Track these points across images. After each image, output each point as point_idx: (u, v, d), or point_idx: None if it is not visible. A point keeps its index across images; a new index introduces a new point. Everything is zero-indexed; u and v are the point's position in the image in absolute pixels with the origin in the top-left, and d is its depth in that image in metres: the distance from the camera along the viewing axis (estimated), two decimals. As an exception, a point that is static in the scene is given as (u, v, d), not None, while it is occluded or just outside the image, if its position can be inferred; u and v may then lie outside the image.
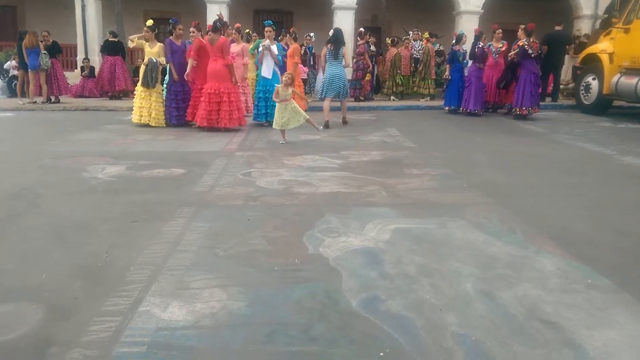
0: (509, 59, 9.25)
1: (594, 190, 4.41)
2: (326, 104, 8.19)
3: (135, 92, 8.22)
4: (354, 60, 11.36)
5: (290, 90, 6.63)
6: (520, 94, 8.97)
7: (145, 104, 7.95)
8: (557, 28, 11.42)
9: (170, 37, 7.99)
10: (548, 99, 11.69)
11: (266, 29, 7.88)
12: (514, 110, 9.17)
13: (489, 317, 2.22)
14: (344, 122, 8.49)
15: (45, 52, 10.45)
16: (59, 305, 2.29)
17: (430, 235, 3.22)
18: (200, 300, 2.34)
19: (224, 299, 2.36)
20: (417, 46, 12.13)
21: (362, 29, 11.45)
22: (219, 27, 7.56)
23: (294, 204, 3.89)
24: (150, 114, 7.95)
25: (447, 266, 2.75)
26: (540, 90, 9.58)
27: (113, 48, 11.80)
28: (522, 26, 9.40)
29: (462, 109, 9.61)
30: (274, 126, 6.76)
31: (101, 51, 12.20)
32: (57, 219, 3.50)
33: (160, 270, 2.66)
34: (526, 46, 8.82)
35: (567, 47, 11.23)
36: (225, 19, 13.10)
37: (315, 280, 2.57)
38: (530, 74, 8.93)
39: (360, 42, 11.06)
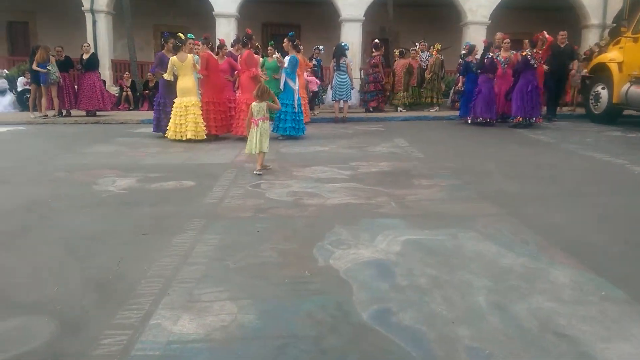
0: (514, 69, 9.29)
1: (606, 200, 4.37)
2: (336, 105, 10.56)
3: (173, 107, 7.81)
4: (370, 71, 11.44)
5: (264, 104, 5.50)
6: (517, 104, 9.07)
7: (183, 120, 7.61)
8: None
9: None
10: (565, 108, 11.68)
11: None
12: (511, 119, 9.28)
13: (502, 330, 2.19)
14: (343, 120, 10.33)
15: (53, 64, 10.49)
16: (70, 319, 2.30)
17: (441, 247, 3.20)
18: (211, 313, 2.34)
19: (235, 311, 2.36)
20: (424, 57, 12.15)
21: (377, 41, 11.51)
22: (245, 41, 7.85)
23: (304, 216, 3.89)
24: (187, 128, 7.57)
25: (459, 278, 2.73)
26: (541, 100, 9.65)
27: (92, 63, 11.14)
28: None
29: (473, 118, 9.56)
30: (252, 151, 5.49)
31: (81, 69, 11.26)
32: (68, 232, 3.53)
33: (171, 283, 2.67)
34: (529, 56, 8.90)
35: None
36: (235, 32, 13.29)
37: (326, 293, 2.56)
38: (529, 84, 8.98)
39: (376, 53, 11.13)
